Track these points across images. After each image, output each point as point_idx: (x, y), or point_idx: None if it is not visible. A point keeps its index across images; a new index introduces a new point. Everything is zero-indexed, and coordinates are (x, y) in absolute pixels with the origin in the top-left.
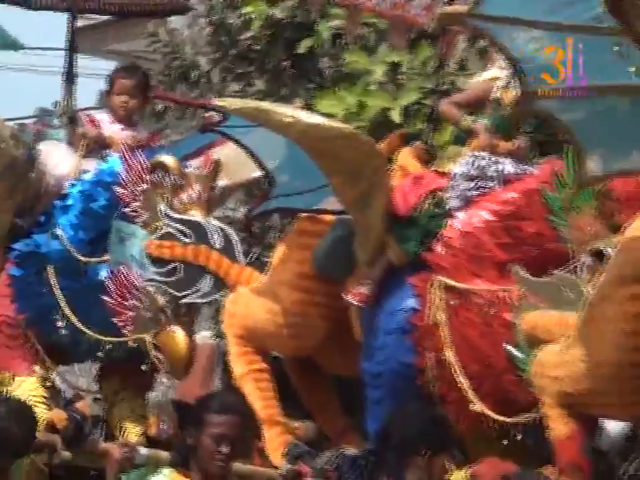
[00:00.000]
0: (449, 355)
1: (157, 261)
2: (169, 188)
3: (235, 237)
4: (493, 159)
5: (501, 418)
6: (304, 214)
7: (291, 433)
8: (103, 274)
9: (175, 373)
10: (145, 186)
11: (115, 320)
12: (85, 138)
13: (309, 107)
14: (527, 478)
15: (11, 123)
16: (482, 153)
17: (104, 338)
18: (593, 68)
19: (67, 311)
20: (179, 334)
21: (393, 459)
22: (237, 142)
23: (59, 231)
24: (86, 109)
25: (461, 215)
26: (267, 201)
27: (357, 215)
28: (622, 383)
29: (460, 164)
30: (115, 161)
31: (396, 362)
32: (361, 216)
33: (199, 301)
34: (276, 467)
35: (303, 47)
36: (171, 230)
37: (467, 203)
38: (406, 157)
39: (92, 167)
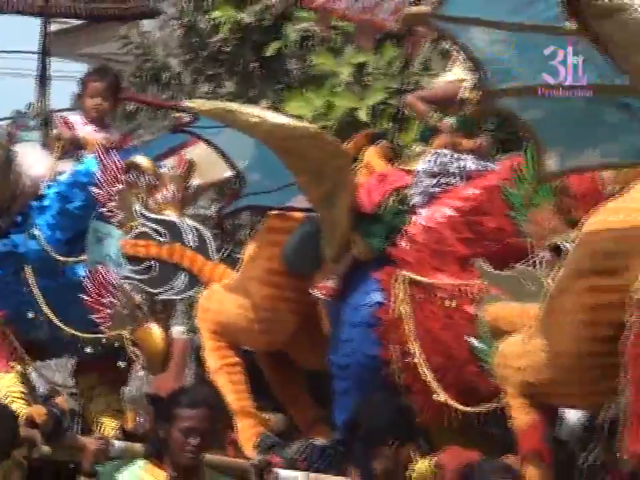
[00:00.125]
0: (413, 347)
1: (133, 260)
2: (144, 188)
3: (208, 236)
4: (455, 156)
5: (464, 407)
6: (273, 211)
7: (263, 425)
8: (81, 273)
9: (151, 367)
10: (120, 186)
11: (92, 317)
12: (60, 140)
13: (277, 108)
14: (489, 466)
15: None
16: (444, 151)
17: (82, 335)
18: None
19: (46, 310)
20: (155, 330)
21: (360, 449)
22: (207, 142)
23: (36, 231)
24: (59, 110)
25: (424, 211)
26: (238, 200)
27: (323, 212)
28: (581, 372)
29: (423, 161)
30: (90, 162)
31: (362, 354)
32: (326, 213)
33: (173, 297)
34: (248, 458)
35: (270, 49)
36: (146, 229)
37: (430, 199)
38: (372, 156)
39: (67, 168)
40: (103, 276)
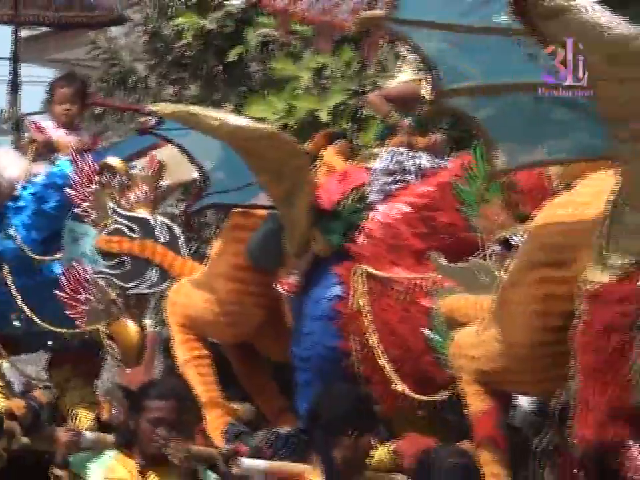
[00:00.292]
0: (372, 339)
1: (106, 255)
2: (117, 188)
3: (179, 232)
4: (411, 154)
5: (420, 396)
6: (237, 209)
7: (230, 415)
8: (57, 271)
9: (127, 360)
10: (94, 187)
11: (68, 313)
12: (33, 143)
13: (239, 111)
14: (445, 451)
15: None
16: (400, 149)
17: (59, 330)
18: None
19: (23, 307)
20: (130, 324)
21: (321, 438)
22: (173, 143)
23: (12, 231)
24: (30, 114)
25: (381, 207)
26: (203, 198)
27: (283, 210)
28: (533, 361)
29: (380, 160)
30: (64, 164)
31: (323, 346)
32: (287, 211)
33: (145, 291)
34: (217, 446)
35: (233, 54)
36: (119, 226)
37: (387, 196)
38: (331, 155)
39: (41, 170)
40: (78, 273)
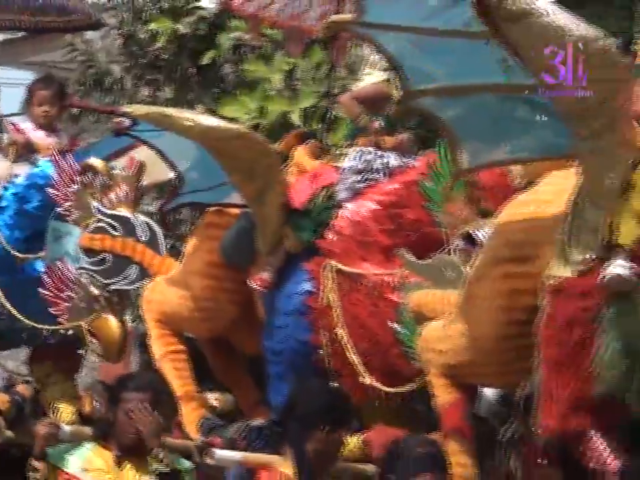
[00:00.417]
0: (341, 333)
1: (89, 252)
2: (99, 188)
3: (159, 231)
4: (379, 153)
5: (388, 388)
6: (211, 208)
7: (205, 408)
8: (39, 269)
9: (109, 356)
10: (76, 187)
11: (51, 310)
12: (14, 144)
13: (213, 112)
14: (413, 441)
15: None
16: (369, 149)
17: (41, 326)
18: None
19: (6, 304)
20: (112, 320)
21: (295, 431)
22: (148, 144)
23: None
24: (8, 115)
25: (350, 205)
26: (178, 197)
27: (255, 208)
28: (498, 354)
29: (348, 159)
30: (45, 165)
31: (294, 340)
32: (258, 209)
33: (125, 287)
34: (192, 439)
35: (206, 57)
36: (103, 224)
37: (355, 194)
38: (301, 155)
39: (22, 171)
40: (61, 271)
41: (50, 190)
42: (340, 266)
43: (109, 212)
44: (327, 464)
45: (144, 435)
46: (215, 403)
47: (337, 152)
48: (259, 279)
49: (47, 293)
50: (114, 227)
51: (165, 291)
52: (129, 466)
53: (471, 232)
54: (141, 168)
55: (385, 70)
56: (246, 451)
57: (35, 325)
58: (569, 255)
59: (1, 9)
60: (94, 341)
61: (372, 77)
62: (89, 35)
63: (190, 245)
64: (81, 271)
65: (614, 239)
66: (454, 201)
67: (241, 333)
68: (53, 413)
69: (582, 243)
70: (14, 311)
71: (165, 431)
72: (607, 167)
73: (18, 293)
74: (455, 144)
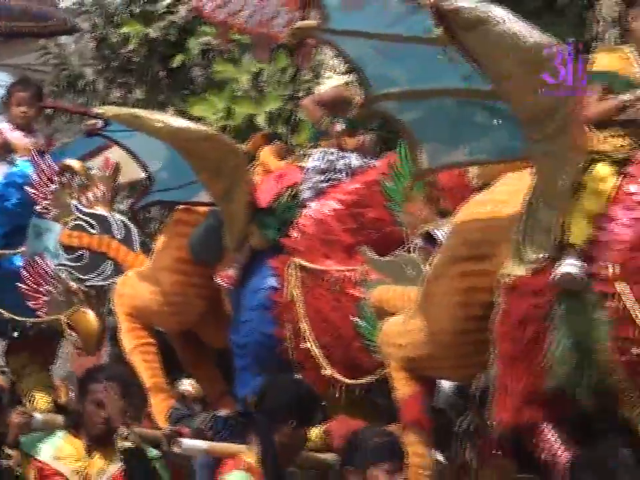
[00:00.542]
0: (304, 327)
1: (68, 249)
2: (77, 188)
3: (134, 230)
4: (341, 154)
5: (349, 381)
6: (180, 206)
7: (174, 398)
8: (18, 263)
9: (87, 348)
10: (54, 186)
11: (30, 303)
12: None
13: (183, 113)
14: (371, 432)
15: None
16: (331, 149)
17: (21, 319)
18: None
19: None
20: (90, 314)
21: (263, 423)
22: (119, 144)
23: None
24: None
25: (313, 204)
26: (148, 195)
27: (223, 207)
28: (456, 348)
29: (312, 159)
30: (24, 164)
31: (259, 334)
32: (226, 208)
33: (101, 283)
34: (160, 428)
35: (176, 60)
36: (81, 222)
37: (319, 193)
38: (267, 155)
39: (0, 170)
40: (40, 266)
41: (28, 189)
42: (304, 263)
43: (87, 210)
44: (291, 455)
45: (108, 413)
46: (189, 389)
47: (301, 152)
48: (225, 275)
49: (25, 287)
50: (91, 225)
51: (136, 286)
52: (97, 456)
53: (430, 231)
54: (117, 168)
55: (345, 74)
56: (212, 440)
57: (14, 317)
58: (523, 254)
59: None
60: (73, 333)
61: (333, 81)
62: (63, 39)
63: (159, 241)
64: (60, 267)
65: (565, 239)
66: (414, 201)
67: (208, 327)
68: (30, 402)
69: (535, 243)
70: None
71: (134, 420)
72: (559, 168)
73: None
74: (415, 145)
